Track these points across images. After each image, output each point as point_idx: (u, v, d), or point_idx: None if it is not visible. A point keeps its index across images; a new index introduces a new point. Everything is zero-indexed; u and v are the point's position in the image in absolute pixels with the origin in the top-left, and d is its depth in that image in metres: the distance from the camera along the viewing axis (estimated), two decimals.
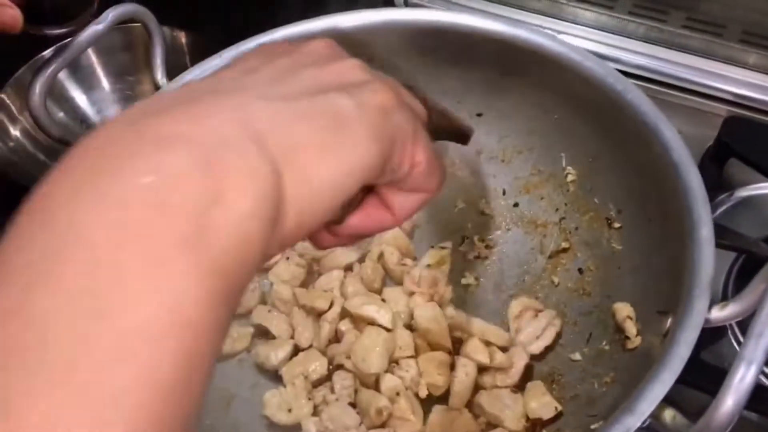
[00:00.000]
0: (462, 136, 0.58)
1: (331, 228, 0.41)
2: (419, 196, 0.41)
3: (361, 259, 0.74)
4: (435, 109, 0.52)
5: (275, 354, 0.68)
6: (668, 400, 0.50)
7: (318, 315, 0.70)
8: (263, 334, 0.71)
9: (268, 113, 0.32)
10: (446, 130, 0.57)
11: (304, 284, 0.73)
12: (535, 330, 0.66)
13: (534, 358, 0.67)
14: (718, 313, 0.52)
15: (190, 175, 0.27)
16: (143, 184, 0.26)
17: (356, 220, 0.41)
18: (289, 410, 0.65)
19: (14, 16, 0.57)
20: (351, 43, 0.73)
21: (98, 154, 0.28)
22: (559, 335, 0.67)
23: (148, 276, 0.25)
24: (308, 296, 0.70)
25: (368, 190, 0.41)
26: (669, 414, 0.49)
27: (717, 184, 0.82)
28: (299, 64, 0.36)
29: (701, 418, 0.43)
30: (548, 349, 0.67)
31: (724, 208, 0.81)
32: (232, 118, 0.30)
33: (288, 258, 0.72)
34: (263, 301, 0.72)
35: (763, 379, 0.68)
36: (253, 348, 0.70)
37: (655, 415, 0.49)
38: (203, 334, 0.26)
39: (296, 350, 0.70)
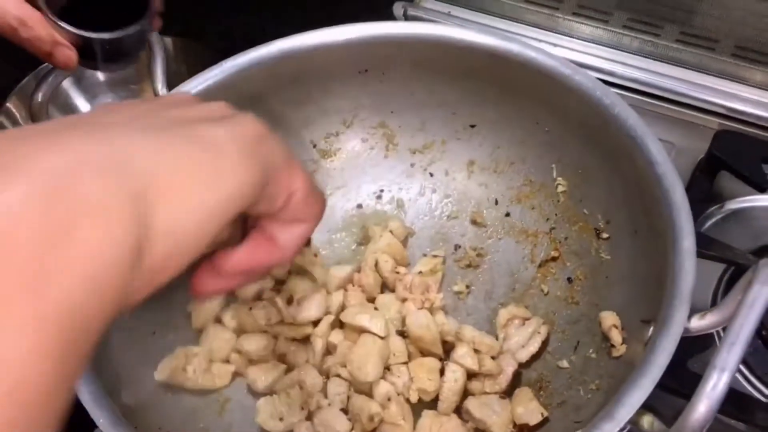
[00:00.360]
0: None
1: (215, 265, 0.39)
2: (301, 227, 0.40)
3: (357, 270, 0.75)
4: None
5: (263, 377, 0.69)
6: (651, 408, 0.52)
7: (305, 339, 0.71)
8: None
9: (131, 140, 0.30)
10: None
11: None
12: (522, 338, 0.67)
13: (522, 365, 0.68)
14: (698, 323, 0.53)
15: (32, 209, 0.25)
16: None
17: (240, 257, 0.39)
18: (281, 419, 0.66)
19: (69, 56, 0.60)
20: (348, 55, 0.76)
21: None
22: (545, 343, 0.68)
23: None
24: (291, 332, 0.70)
25: (250, 226, 0.40)
26: (647, 420, 0.50)
27: (708, 196, 0.83)
28: (162, 106, 0.36)
29: (674, 424, 0.44)
30: (536, 356, 0.68)
31: (714, 219, 0.82)
32: (88, 145, 0.28)
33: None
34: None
35: (749, 389, 0.70)
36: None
37: (635, 422, 0.50)
38: (43, 384, 0.24)
39: (287, 370, 0.70)
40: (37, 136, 0.28)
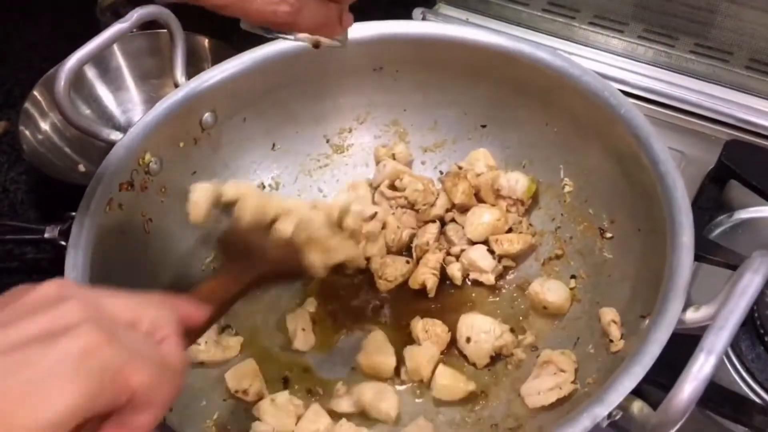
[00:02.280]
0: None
1: None
2: (151, 412, 0.39)
3: None
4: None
5: None
6: (644, 397, 0.53)
7: None
8: None
9: None
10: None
11: None
12: (544, 385, 0.64)
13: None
14: (693, 315, 0.54)
15: None
16: None
17: None
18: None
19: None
20: (364, 52, 0.78)
21: None
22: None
23: None
24: None
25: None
26: (637, 406, 0.50)
27: (717, 205, 0.84)
28: (12, 317, 0.38)
29: (660, 405, 0.45)
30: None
31: (723, 228, 0.83)
32: None
33: None
34: None
35: (750, 394, 0.70)
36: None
37: (625, 407, 0.51)
38: None
39: None
40: None
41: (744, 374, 0.70)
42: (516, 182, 0.76)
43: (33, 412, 0.34)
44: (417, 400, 0.69)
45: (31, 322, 0.38)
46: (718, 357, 0.44)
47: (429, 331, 0.70)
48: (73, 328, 0.37)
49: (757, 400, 0.69)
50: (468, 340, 0.69)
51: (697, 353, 0.44)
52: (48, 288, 0.40)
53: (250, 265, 0.60)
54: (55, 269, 0.70)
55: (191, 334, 0.48)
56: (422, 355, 0.68)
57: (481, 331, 0.68)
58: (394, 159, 0.82)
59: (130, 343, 0.39)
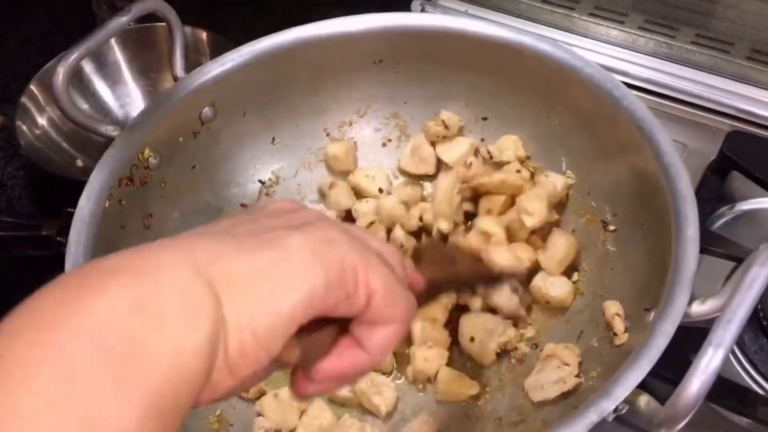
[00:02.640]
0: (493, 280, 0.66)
1: (307, 373, 0.39)
2: (389, 328, 0.39)
3: None
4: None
5: None
6: (650, 391, 0.52)
7: None
8: None
9: (212, 247, 0.34)
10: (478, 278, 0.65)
11: None
12: (548, 379, 0.64)
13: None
14: (699, 308, 0.53)
15: (123, 305, 0.29)
16: (84, 326, 0.29)
17: (330, 363, 0.39)
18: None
19: None
20: (364, 44, 0.78)
21: (59, 294, 0.30)
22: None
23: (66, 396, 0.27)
24: None
25: (340, 331, 0.40)
26: (644, 400, 0.50)
27: (719, 197, 0.83)
28: (257, 216, 0.39)
29: (668, 400, 0.45)
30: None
31: (724, 219, 0.83)
32: (175, 252, 0.32)
33: None
34: None
35: (754, 386, 0.70)
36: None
37: (631, 401, 0.50)
38: None
39: None
40: (132, 251, 0.33)
41: (747, 366, 0.70)
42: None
43: (277, 287, 0.33)
44: (419, 394, 0.69)
45: (276, 219, 0.39)
46: (727, 351, 0.44)
47: (427, 334, 0.70)
48: (318, 222, 0.38)
49: (760, 391, 0.68)
50: (472, 339, 0.68)
51: (705, 347, 0.44)
52: (285, 202, 0.42)
53: (449, 266, 0.60)
54: (54, 265, 0.69)
55: None
56: (430, 356, 0.68)
57: (484, 329, 0.68)
58: (446, 127, 0.80)
59: (369, 248, 0.39)
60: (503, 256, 0.69)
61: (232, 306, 0.32)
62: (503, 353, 0.69)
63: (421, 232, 0.78)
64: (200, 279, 0.31)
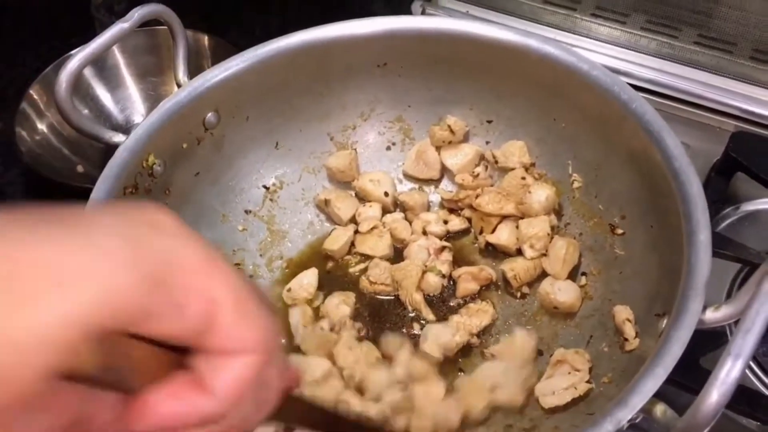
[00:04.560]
0: None
1: (127, 411, 0.28)
2: (240, 361, 0.28)
3: None
4: None
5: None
6: (664, 398, 0.52)
7: None
8: None
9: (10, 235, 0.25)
10: None
11: None
12: (558, 385, 0.64)
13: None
14: (712, 315, 0.53)
15: None
16: None
17: (159, 401, 0.28)
18: None
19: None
20: (368, 48, 0.77)
21: None
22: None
23: None
24: None
25: (175, 364, 0.29)
26: (660, 409, 0.50)
27: (723, 198, 0.83)
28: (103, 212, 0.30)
29: (688, 410, 0.44)
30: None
31: (729, 220, 0.83)
32: None
33: None
34: None
35: (762, 388, 0.69)
36: None
37: (647, 410, 0.50)
38: None
39: None
40: None
41: (756, 369, 0.70)
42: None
43: (50, 291, 0.24)
44: None
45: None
46: (746, 361, 0.44)
47: None
48: (146, 205, 0.29)
49: None
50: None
51: (725, 357, 0.44)
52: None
53: None
54: None
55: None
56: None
57: (499, 376, 0.66)
58: (452, 132, 0.80)
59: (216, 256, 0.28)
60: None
61: None
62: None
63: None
64: None
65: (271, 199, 0.81)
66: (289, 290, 0.74)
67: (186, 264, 0.27)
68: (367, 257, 0.78)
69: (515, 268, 0.73)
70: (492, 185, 0.79)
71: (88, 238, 0.25)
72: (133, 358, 0.28)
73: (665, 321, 0.56)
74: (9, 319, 0.23)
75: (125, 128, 0.93)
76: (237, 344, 0.28)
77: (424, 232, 0.77)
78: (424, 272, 0.73)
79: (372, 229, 0.78)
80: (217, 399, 0.28)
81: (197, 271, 0.27)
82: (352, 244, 0.79)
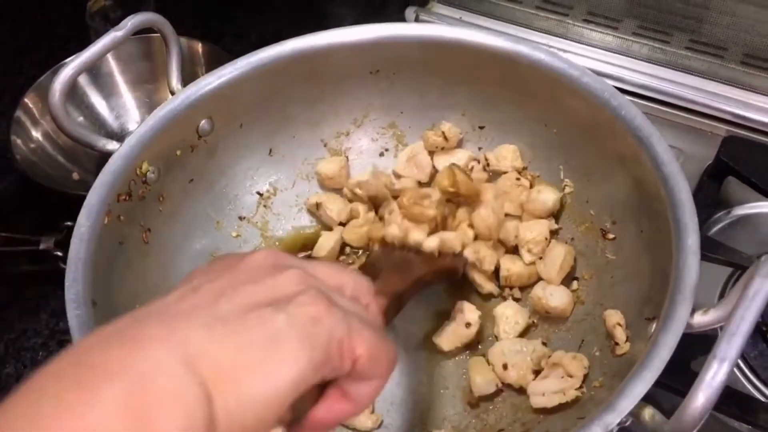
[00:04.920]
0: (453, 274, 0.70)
1: (296, 426, 0.41)
2: (373, 383, 0.41)
3: None
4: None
5: None
6: (653, 402, 0.52)
7: None
8: None
9: (202, 336, 0.35)
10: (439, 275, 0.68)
11: None
12: (549, 388, 0.64)
13: None
14: (701, 318, 0.53)
15: (118, 412, 0.30)
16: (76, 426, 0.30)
17: (318, 415, 0.41)
18: None
19: None
20: (360, 55, 0.78)
21: (44, 390, 0.31)
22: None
23: None
24: None
25: (326, 383, 0.42)
26: (648, 412, 0.50)
27: (715, 202, 0.84)
28: (238, 282, 0.39)
29: (674, 414, 0.45)
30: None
31: (721, 225, 0.83)
32: (167, 344, 0.33)
33: None
34: None
35: (753, 392, 0.70)
36: None
37: (636, 414, 0.51)
38: None
39: None
40: (121, 338, 0.34)
41: (747, 372, 0.70)
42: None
43: (265, 378, 0.35)
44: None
45: (258, 285, 0.39)
46: (732, 364, 0.44)
47: None
48: (298, 295, 0.38)
49: (761, 398, 0.69)
50: (505, 367, 0.67)
51: (710, 361, 0.44)
52: (261, 256, 0.42)
53: (410, 272, 0.63)
54: (52, 281, 0.69)
55: None
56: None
57: (514, 353, 0.67)
58: (446, 139, 0.81)
59: (349, 311, 0.40)
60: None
61: (222, 402, 0.33)
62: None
63: None
64: (193, 378, 0.33)
65: (264, 206, 0.82)
66: None
67: (339, 341, 0.38)
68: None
69: (510, 270, 0.73)
70: (489, 181, 0.79)
71: (275, 342, 0.36)
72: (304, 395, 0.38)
73: (655, 325, 0.57)
74: (249, 401, 0.34)
75: (120, 135, 0.93)
76: (369, 376, 0.41)
77: None
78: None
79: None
80: (355, 405, 0.41)
81: (345, 341, 0.38)
82: (345, 245, 0.80)
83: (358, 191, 0.80)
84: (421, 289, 0.64)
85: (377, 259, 0.69)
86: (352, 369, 0.39)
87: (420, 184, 0.83)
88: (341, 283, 0.43)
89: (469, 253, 0.72)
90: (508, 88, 0.77)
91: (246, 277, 0.40)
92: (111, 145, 0.68)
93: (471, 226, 0.73)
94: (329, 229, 0.81)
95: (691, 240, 0.57)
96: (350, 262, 0.79)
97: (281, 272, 0.40)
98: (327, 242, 0.78)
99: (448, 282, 0.74)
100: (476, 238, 0.73)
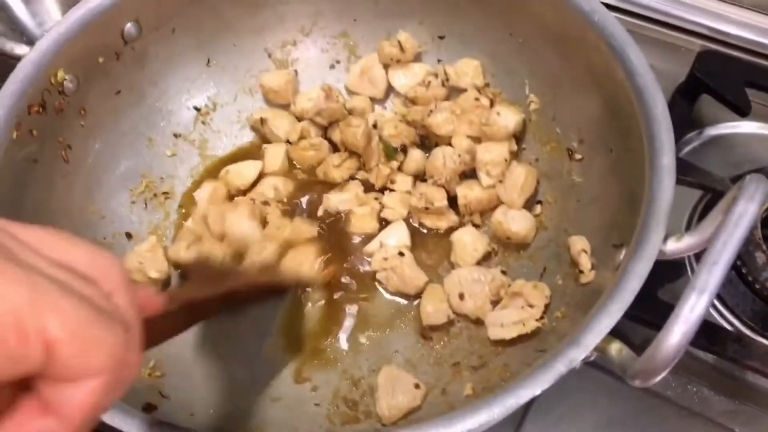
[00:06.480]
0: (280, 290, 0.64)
1: None
2: (88, 385, 0.28)
3: None
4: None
5: None
6: (618, 335, 0.48)
7: None
8: None
9: None
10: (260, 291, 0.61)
11: None
12: (508, 318, 0.59)
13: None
14: (674, 245, 0.49)
15: None
16: None
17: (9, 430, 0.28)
18: None
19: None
20: None
21: None
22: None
23: None
24: None
25: (18, 387, 0.29)
26: (615, 347, 0.46)
27: (687, 122, 0.79)
28: None
29: (647, 350, 0.40)
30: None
31: (692, 145, 0.79)
32: None
33: None
34: None
35: (719, 319, 0.66)
36: None
37: (602, 348, 0.46)
38: None
39: None
40: None
41: (716, 303, 0.67)
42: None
43: None
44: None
45: None
46: (712, 296, 0.39)
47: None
48: None
49: (728, 327, 0.65)
50: (461, 297, 0.63)
51: (688, 292, 0.39)
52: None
53: (222, 281, 0.56)
54: None
55: (151, 332, 0.33)
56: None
57: (471, 282, 0.63)
58: (402, 50, 0.74)
59: (45, 276, 0.27)
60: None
61: None
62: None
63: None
64: None
65: (203, 122, 0.75)
66: None
67: (13, 311, 0.25)
68: None
69: (468, 196, 0.68)
70: (447, 98, 0.73)
71: None
72: None
73: (623, 252, 0.52)
74: None
75: None
76: (79, 373, 0.27)
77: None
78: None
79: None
80: (64, 421, 0.28)
81: (26, 314, 0.25)
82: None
83: (318, 119, 0.72)
84: (235, 304, 0.55)
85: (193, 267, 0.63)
86: (47, 361, 0.26)
87: (373, 100, 0.76)
88: (69, 258, 0.30)
89: (414, 200, 0.67)
90: None
91: None
92: (20, 48, 0.60)
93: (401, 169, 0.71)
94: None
95: (667, 159, 0.52)
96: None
97: None
98: (277, 154, 0.72)
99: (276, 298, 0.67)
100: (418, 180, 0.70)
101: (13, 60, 0.62)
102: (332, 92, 0.73)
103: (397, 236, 0.67)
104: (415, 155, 0.71)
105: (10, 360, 0.25)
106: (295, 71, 0.77)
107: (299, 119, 0.75)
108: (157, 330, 0.37)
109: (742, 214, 0.41)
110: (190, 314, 0.46)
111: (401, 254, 0.65)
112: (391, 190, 0.70)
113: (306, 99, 0.74)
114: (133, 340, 0.30)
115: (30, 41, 0.84)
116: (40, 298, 0.26)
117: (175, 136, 0.73)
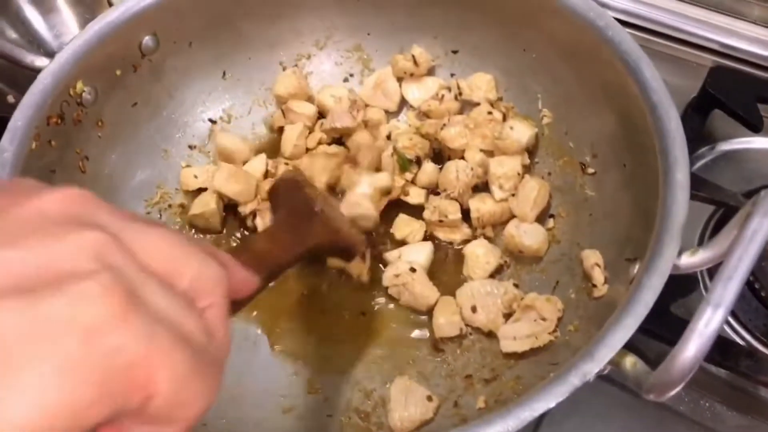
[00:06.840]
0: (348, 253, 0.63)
1: None
2: (168, 429, 0.27)
3: None
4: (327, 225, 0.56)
5: None
6: (632, 350, 0.48)
7: None
8: None
9: None
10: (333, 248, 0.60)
11: None
12: (521, 331, 0.60)
13: None
14: (689, 260, 0.49)
15: None
16: None
17: None
18: None
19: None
20: None
21: None
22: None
23: None
24: None
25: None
26: (630, 361, 0.46)
27: (699, 137, 0.79)
28: (20, 228, 0.26)
29: (662, 364, 0.40)
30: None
31: (704, 161, 0.79)
32: None
33: None
34: None
35: (732, 335, 0.66)
36: None
37: (616, 362, 0.46)
38: None
39: None
40: None
41: (729, 317, 0.67)
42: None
43: None
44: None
45: (17, 252, 0.25)
46: (727, 311, 0.40)
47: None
48: (82, 280, 0.25)
49: (741, 342, 0.65)
50: (474, 309, 0.63)
51: (704, 307, 0.40)
52: (59, 199, 0.28)
53: (305, 235, 0.54)
54: None
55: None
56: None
57: (484, 294, 0.63)
58: (416, 64, 0.74)
59: (161, 313, 0.26)
60: None
61: None
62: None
63: None
64: None
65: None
66: None
67: (129, 362, 0.25)
68: None
69: (480, 209, 0.68)
70: (460, 112, 0.73)
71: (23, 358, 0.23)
72: None
73: (637, 266, 0.52)
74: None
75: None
76: (169, 422, 0.27)
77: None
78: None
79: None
80: None
81: (137, 366, 0.25)
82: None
83: (335, 132, 0.73)
84: (296, 262, 0.53)
85: (281, 188, 0.61)
86: (142, 406, 0.26)
87: (387, 113, 0.76)
88: (175, 270, 0.29)
89: (428, 213, 0.68)
90: (485, 9, 0.71)
91: (9, 231, 0.26)
92: (40, 61, 0.61)
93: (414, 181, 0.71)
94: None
95: (681, 174, 0.52)
96: None
97: (72, 233, 0.26)
98: (292, 134, 0.72)
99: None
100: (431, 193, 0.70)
101: (30, 71, 0.62)
102: (356, 104, 0.73)
103: (419, 255, 0.67)
104: (428, 168, 0.71)
105: (114, 408, 0.25)
106: (305, 76, 0.78)
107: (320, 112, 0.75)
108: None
109: (757, 229, 0.42)
110: (268, 279, 0.46)
111: (413, 270, 0.65)
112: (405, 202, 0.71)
113: (329, 95, 0.75)
114: (220, 370, 0.29)
115: (48, 53, 0.84)
116: (156, 349, 0.25)
117: (190, 147, 0.74)
